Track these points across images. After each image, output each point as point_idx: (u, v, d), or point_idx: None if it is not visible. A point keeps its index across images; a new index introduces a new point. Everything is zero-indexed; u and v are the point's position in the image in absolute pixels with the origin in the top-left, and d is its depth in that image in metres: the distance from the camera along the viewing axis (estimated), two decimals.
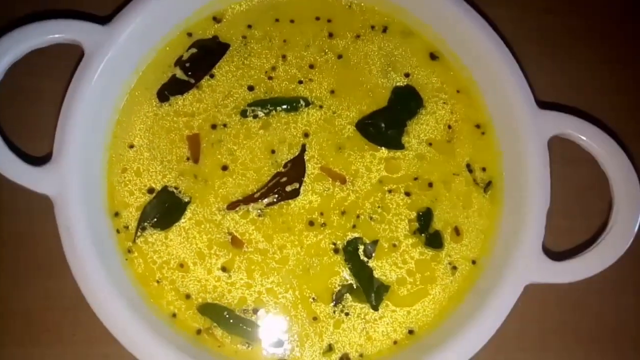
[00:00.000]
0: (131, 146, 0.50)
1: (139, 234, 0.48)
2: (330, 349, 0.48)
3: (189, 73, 0.51)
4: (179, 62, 0.51)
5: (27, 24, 0.45)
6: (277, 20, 0.53)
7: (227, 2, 0.53)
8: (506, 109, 0.50)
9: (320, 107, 0.52)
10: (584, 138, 0.48)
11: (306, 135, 0.51)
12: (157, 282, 0.47)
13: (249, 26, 0.53)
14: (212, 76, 0.52)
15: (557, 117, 0.49)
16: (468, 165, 0.52)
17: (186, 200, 0.49)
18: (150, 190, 0.49)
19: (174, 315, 0.47)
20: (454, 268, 0.50)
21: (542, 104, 0.49)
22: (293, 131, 0.51)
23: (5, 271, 0.50)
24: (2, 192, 0.50)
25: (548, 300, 0.51)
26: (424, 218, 0.50)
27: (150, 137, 0.50)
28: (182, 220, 0.49)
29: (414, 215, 0.50)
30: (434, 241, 0.50)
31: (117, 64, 0.48)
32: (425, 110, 0.53)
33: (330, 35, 0.54)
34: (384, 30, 0.54)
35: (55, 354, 0.49)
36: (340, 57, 0.53)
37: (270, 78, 0.52)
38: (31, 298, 0.50)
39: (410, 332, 0.49)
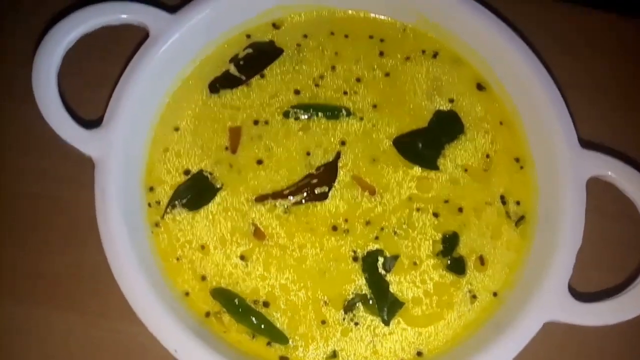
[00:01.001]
0: (176, 129, 0.52)
1: (168, 210, 0.49)
2: (334, 355, 0.47)
3: (242, 70, 0.54)
4: (234, 60, 0.54)
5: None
6: (332, 33, 0.56)
7: (288, 11, 0.56)
8: (548, 144, 0.50)
9: (361, 118, 0.53)
10: (624, 182, 0.47)
11: (343, 143, 0.52)
12: (177, 259, 0.48)
13: (305, 36, 0.56)
14: (262, 76, 0.54)
15: (598, 157, 0.48)
16: (502, 197, 0.51)
17: (218, 186, 0.50)
18: (187, 172, 0.51)
19: (187, 294, 0.48)
20: (474, 297, 0.49)
21: (585, 144, 0.48)
22: (331, 137, 0.52)
23: (41, 233, 0.52)
24: (50, 158, 0.53)
25: (567, 343, 0.48)
26: (450, 241, 0.50)
27: (195, 123, 0.52)
28: (211, 204, 0.50)
29: (439, 237, 0.50)
30: (457, 266, 0.49)
31: (177, 51, 0.51)
32: (465, 136, 0.53)
33: (381, 53, 0.55)
34: (434, 55, 0.55)
35: (67, 321, 0.50)
36: (387, 75, 0.54)
37: (317, 85, 0.54)
38: (59, 263, 0.52)
39: (419, 353, 0.47)
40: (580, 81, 0.56)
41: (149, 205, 0.50)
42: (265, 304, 0.48)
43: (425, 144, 0.52)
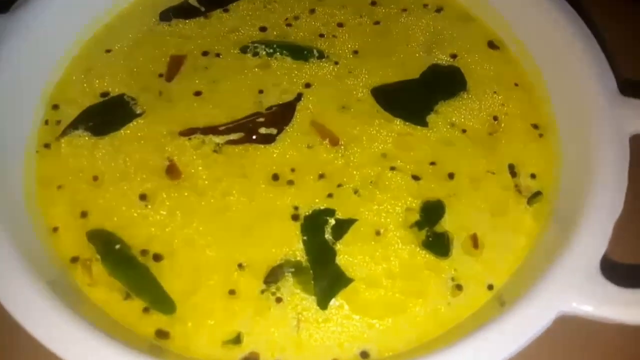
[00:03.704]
0: (108, 50, 0.43)
1: (68, 132, 0.38)
2: (237, 340, 0.31)
3: (203, 2, 0.45)
4: None
5: None
6: None
7: None
8: (578, 99, 0.37)
9: (336, 63, 0.42)
10: None
11: (308, 85, 0.41)
12: (58, 187, 0.36)
13: None
14: (225, 10, 0.45)
15: None
16: (511, 167, 0.38)
17: (138, 112, 0.39)
18: (105, 95, 0.40)
19: (55, 229, 0.35)
20: (458, 287, 0.33)
21: (626, 88, 0.35)
22: (294, 78, 0.41)
23: None
24: None
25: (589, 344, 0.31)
26: (432, 212, 0.36)
27: (132, 48, 0.43)
28: (122, 131, 0.39)
29: (417, 204, 0.36)
30: (437, 244, 0.34)
31: None
32: (467, 94, 0.41)
33: (373, 3, 0.45)
34: (438, 10, 0.45)
35: None
36: (377, 23, 0.44)
37: (288, 25, 0.44)
38: None
39: (364, 355, 0.31)
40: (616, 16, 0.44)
41: (46, 122, 0.39)
42: (157, 257, 0.34)
43: (413, 96, 0.41)
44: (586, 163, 0.34)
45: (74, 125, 0.39)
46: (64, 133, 0.39)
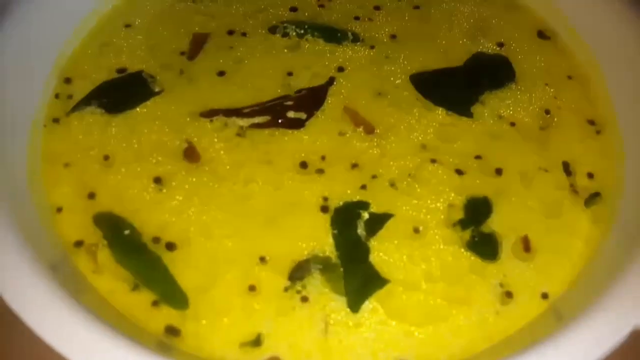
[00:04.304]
0: (127, 25, 0.40)
1: (80, 107, 0.35)
2: (257, 342, 0.28)
3: None
4: None
5: None
6: None
7: None
8: None
9: (372, 47, 0.39)
10: None
11: (341, 69, 0.38)
12: (65, 165, 0.33)
13: None
14: None
15: None
16: (566, 165, 0.34)
17: (156, 90, 0.36)
18: (121, 71, 0.37)
19: (59, 209, 0.32)
20: (508, 295, 0.29)
21: None
22: (326, 61, 0.38)
23: None
24: None
25: None
26: (477, 210, 0.32)
27: (153, 23, 0.40)
28: (138, 108, 0.35)
29: (460, 200, 0.32)
30: (484, 246, 0.31)
31: None
32: (516, 85, 0.37)
33: None
34: None
35: None
36: (417, 7, 0.41)
37: (321, 6, 0.41)
38: None
39: None
40: None
41: (57, 96, 0.36)
42: (170, 246, 0.30)
43: (458, 85, 0.37)
44: None
45: (87, 100, 0.36)
46: (75, 108, 0.36)
